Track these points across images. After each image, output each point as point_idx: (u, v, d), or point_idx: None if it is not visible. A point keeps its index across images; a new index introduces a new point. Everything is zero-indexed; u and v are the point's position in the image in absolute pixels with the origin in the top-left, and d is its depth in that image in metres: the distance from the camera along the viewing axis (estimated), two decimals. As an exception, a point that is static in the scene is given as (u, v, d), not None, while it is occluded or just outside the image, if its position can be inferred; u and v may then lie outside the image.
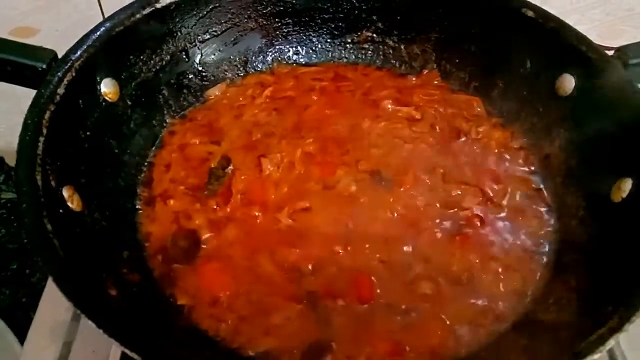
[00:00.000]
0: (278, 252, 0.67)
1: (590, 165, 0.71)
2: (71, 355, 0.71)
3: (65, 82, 0.64)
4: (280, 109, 0.82)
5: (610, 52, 0.73)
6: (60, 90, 0.63)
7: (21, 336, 0.85)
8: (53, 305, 0.75)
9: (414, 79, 0.87)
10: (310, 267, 0.66)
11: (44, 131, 0.60)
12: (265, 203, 0.71)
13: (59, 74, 0.64)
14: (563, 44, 0.74)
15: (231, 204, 0.71)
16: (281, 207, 0.71)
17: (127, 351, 0.47)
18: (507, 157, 0.77)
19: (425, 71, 0.87)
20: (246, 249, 0.67)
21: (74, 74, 0.65)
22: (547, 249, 0.69)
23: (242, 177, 0.74)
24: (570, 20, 0.75)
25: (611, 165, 0.68)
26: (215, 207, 0.71)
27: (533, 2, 0.77)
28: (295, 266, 0.66)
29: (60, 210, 0.58)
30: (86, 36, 0.68)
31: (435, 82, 0.86)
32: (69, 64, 0.65)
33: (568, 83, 0.74)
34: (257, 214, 0.70)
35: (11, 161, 1.10)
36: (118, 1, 0.74)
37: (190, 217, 0.70)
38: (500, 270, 0.67)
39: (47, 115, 0.61)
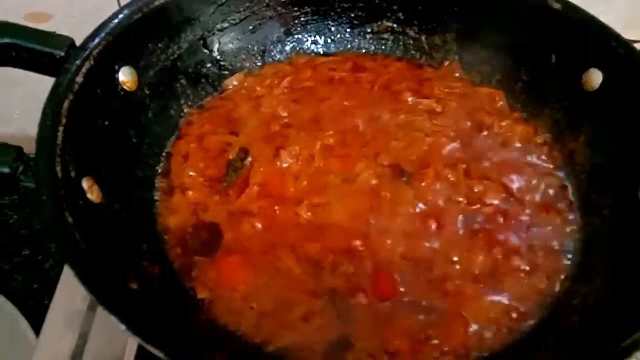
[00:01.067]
0: (298, 246, 0.66)
1: (616, 163, 0.70)
2: (87, 345, 0.71)
3: (83, 70, 0.62)
4: (298, 100, 0.80)
5: (638, 45, 0.71)
6: (79, 79, 0.62)
7: (33, 322, 0.85)
8: (69, 294, 0.75)
9: (434, 70, 0.85)
10: (330, 262, 0.65)
11: (63, 120, 0.59)
12: (284, 196, 0.70)
13: (77, 62, 0.62)
14: (590, 38, 0.72)
15: (249, 196, 0.70)
16: (300, 200, 0.70)
17: (151, 349, 0.46)
18: (531, 152, 0.76)
19: (446, 63, 0.85)
20: (266, 243, 0.67)
21: (92, 62, 0.63)
22: (571, 248, 0.68)
23: (261, 169, 0.72)
24: (594, 11, 0.74)
25: (637, 164, 0.66)
26: (233, 199, 0.70)
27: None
28: (315, 261, 0.65)
29: (80, 202, 0.57)
30: (104, 24, 0.67)
31: (457, 75, 0.84)
32: (87, 52, 0.64)
33: (595, 78, 0.72)
34: (276, 207, 0.69)
35: (26, 147, 1.09)
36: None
37: (209, 209, 0.69)
38: (523, 268, 0.66)
39: (65, 105, 0.60)
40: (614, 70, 0.70)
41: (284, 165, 0.73)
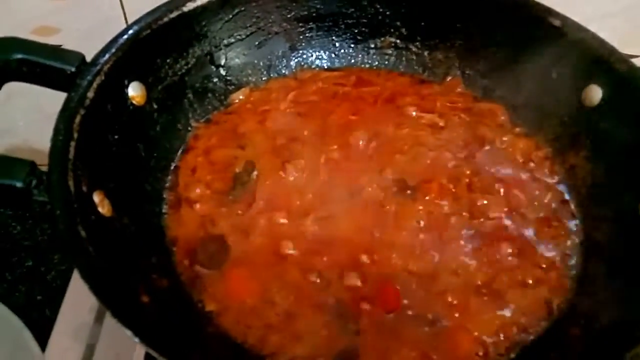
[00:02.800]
0: (304, 259, 0.67)
1: (616, 177, 0.71)
2: (94, 357, 0.72)
3: (94, 86, 0.63)
4: (303, 114, 0.81)
5: (636, 61, 0.73)
6: (90, 94, 0.63)
7: (37, 334, 0.85)
8: (75, 307, 0.76)
9: (437, 85, 0.87)
10: (336, 275, 0.66)
11: (75, 135, 0.60)
12: (290, 209, 0.71)
13: (88, 77, 0.64)
14: (590, 54, 0.74)
15: (255, 210, 0.71)
16: (306, 214, 0.71)
17: (165, 361, 0.47)
18: (532, 166, 0.77)
19: (449, 78, 0.87)
20: (272, 256, 0.67)
21: (103, 78, 0.65)
22: (573, 261, 0.69)
23: (267, 183, 0.73)
24: (590, 28, 0.75)
25: (637, 178, 0.68)
26: (240, 212, 0.71)
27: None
28: (321, 274, 0.66)
29: (92, 216, 0.58)
30: (114, 40, 0.68)
31: (459, 90, 0.86)
32: (98, 68, 0.65)
33: (595, 94, 0.74)
34: (282, 220, 0.70)
35: (29, 157, 1.10)
36: (141, 2, 0.75)
37: (217, 222, 0.70)
38: (526, 281, 0.67)
39: (77, 120, 0.61)
40: (613, 86, 0.72)
41: (290, 178, 0.74)
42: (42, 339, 0.76)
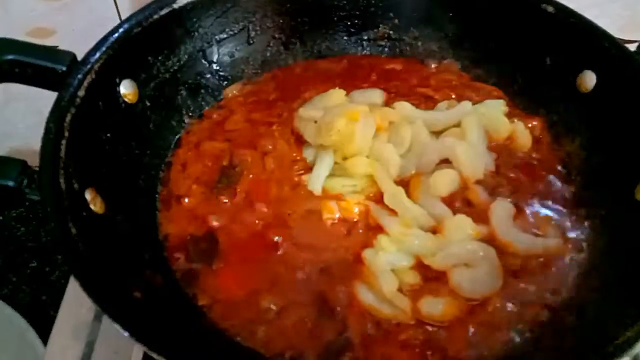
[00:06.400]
0: (289, 252, 0.67)
1: (611, 164, 0.70)
2: (94, 354, 0.72)
3: (85, 84, 0.64)
4: (291, 97, 0.81)
5: (631, 46, 0.72)
6: (81, 93, 0.63)
7: (42, 334, 0.86)
8: (75, 305, 0.76)
9: (433, 67, 0.86)
10: (320, 268, 0.66)
11: (66, 134, 0.60)
12: (270, 202, 0.71)
13: (79, 76, 0.64)
14: (584, 40, 0.73)
15: (239, 203, 0.71)
16: (288, 206, 0.70)
17: (155, 355, 0.47)
18: (528, 154, 0.76)
19: (445, 62, 0.86)
20: (259, 250, 0.67)
21: (93, 76, 0.65)
22: (570, 250, 0.68)
23: (250, 176, 0.73)
24: (589, 15, 0.74)
25: (633, 164, 0.67)
26: (225, 206, 0.71)
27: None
28: (305, 267, 0.66)
29: (84, 213, 0.58)
30: (104, 38, 0.68)
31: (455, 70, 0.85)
32: (88, 66, 0.65)
33: (589, 80, 0.73)
34: (264, 211, 0.70)
35: (31, 160, 1.11)
36: (134, 1, 0.75)
37: (206, 217, 0.70)
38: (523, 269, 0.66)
39: (68, 118, 0.61)
40: (608, 71, 0.71)
41: (269, 170, 0.73)
42: (47, 339, 0.77)
